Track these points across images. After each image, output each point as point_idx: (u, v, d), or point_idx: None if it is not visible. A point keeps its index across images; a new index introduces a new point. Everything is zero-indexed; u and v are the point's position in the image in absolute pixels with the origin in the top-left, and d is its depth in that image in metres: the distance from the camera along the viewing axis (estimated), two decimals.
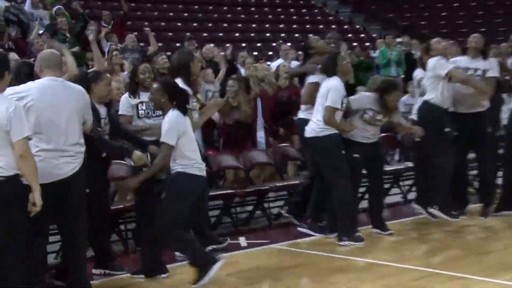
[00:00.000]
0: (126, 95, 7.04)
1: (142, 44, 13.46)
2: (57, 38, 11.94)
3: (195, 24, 18.18)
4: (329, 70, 7.30)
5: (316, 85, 7.47)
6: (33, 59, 7.58)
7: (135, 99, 6.88)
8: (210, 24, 18.36)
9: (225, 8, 19.87)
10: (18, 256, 4.72)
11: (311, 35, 19.33)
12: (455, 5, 23.56)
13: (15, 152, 4.64)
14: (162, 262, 6.23)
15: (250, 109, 9.17)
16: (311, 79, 7.69)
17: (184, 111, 5.98)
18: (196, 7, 19.27)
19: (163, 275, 6.15)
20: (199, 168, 5.99)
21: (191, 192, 5.99)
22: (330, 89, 7.17)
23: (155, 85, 6.19)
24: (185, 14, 18.67)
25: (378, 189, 7.90)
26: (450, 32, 19.61)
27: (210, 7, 19.60)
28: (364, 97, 7.70)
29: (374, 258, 6.71)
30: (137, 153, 6.21)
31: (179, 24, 17.96)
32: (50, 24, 13.02)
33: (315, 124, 7.30)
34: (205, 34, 17.13)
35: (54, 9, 13.57)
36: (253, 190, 8.45)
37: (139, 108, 6.85)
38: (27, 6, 13.48)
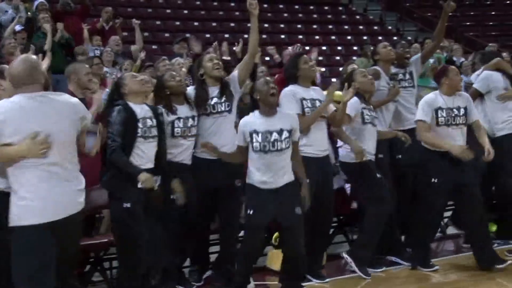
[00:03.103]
0: None
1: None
2: (36, 38, 11.43)
3: (196, 24, 17.94)
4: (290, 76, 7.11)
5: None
6: None
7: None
8: (214, 24, 18.15)
9: (232, 4, 19.63)
10: None
11: (333, 37, 19.22)
12: (507, 1, 22.87)
13: None
14: None
15: None
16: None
17: None
18: (198, 2, 19.20)
19: None
20: None
21: None
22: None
23: None
24: (185, 12, 18.50)
25: None
26: (500, 34, 19.24)
27: (215, 3, 19.52)
28: None
29: None
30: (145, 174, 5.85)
31: (178, 23, 17.65)
32: (28, 19, 12.43)
33: None
34: (208, 35, 16.60)
35: (36, 3, 12.85)
36: None
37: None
38: None
